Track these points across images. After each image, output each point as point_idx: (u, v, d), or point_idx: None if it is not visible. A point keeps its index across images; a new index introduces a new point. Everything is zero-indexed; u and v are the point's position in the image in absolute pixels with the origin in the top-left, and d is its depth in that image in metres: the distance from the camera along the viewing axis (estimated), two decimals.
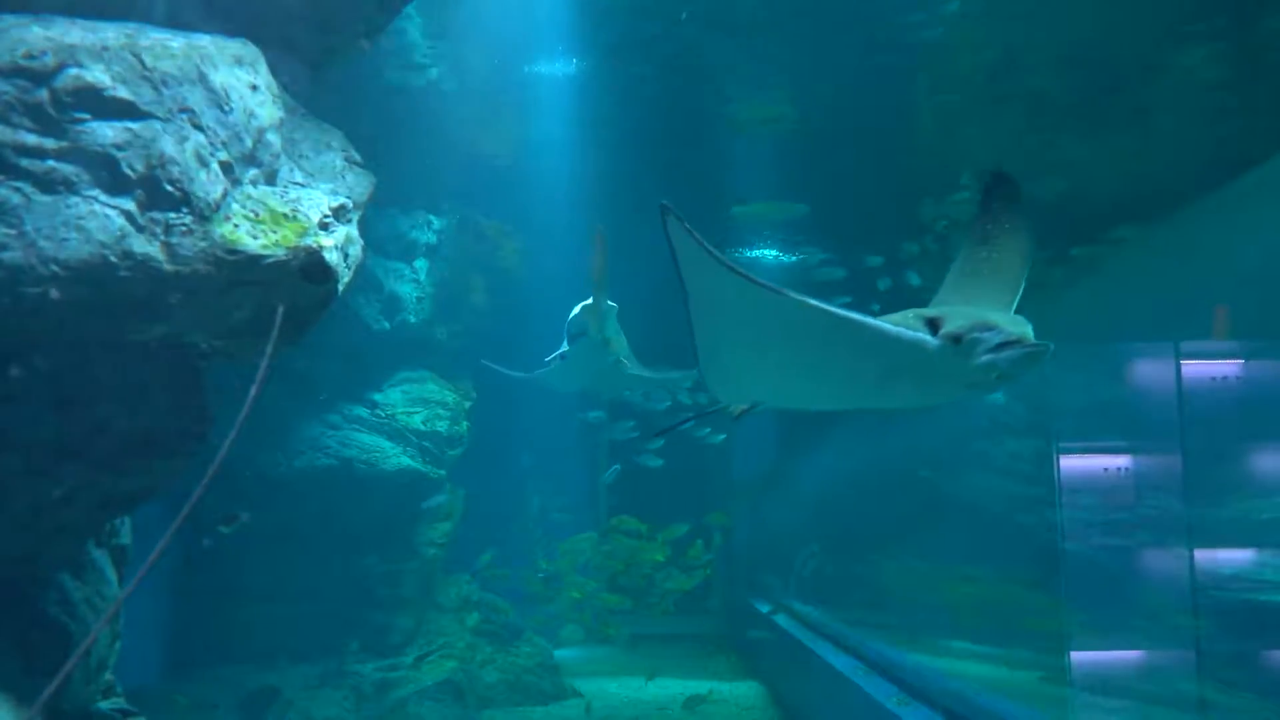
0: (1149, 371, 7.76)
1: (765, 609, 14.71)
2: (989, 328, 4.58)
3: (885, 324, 4.66)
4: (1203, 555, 7.43)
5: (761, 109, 10.64)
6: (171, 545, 4.64)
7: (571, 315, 10.02)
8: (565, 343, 10.24)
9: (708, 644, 16.35)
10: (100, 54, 4.84)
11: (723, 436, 15.07)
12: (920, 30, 8.94)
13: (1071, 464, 8.01)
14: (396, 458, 12.13)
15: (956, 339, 4.59)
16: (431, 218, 13.06)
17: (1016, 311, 5.19)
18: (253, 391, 4.89)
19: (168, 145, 4.89)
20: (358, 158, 6.42)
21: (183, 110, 5.02)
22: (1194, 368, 7.53)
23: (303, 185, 5.74)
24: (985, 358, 4.55)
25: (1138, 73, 8.89)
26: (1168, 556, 7.66)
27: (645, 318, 12.17)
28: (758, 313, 4.60)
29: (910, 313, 4.89)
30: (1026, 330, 4.62)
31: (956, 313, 4.78)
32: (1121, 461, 8.05)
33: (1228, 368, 7.55)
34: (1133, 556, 7.85)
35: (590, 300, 9.76)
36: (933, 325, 4.70)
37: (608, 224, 12.88)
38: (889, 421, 11.22)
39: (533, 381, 12.16)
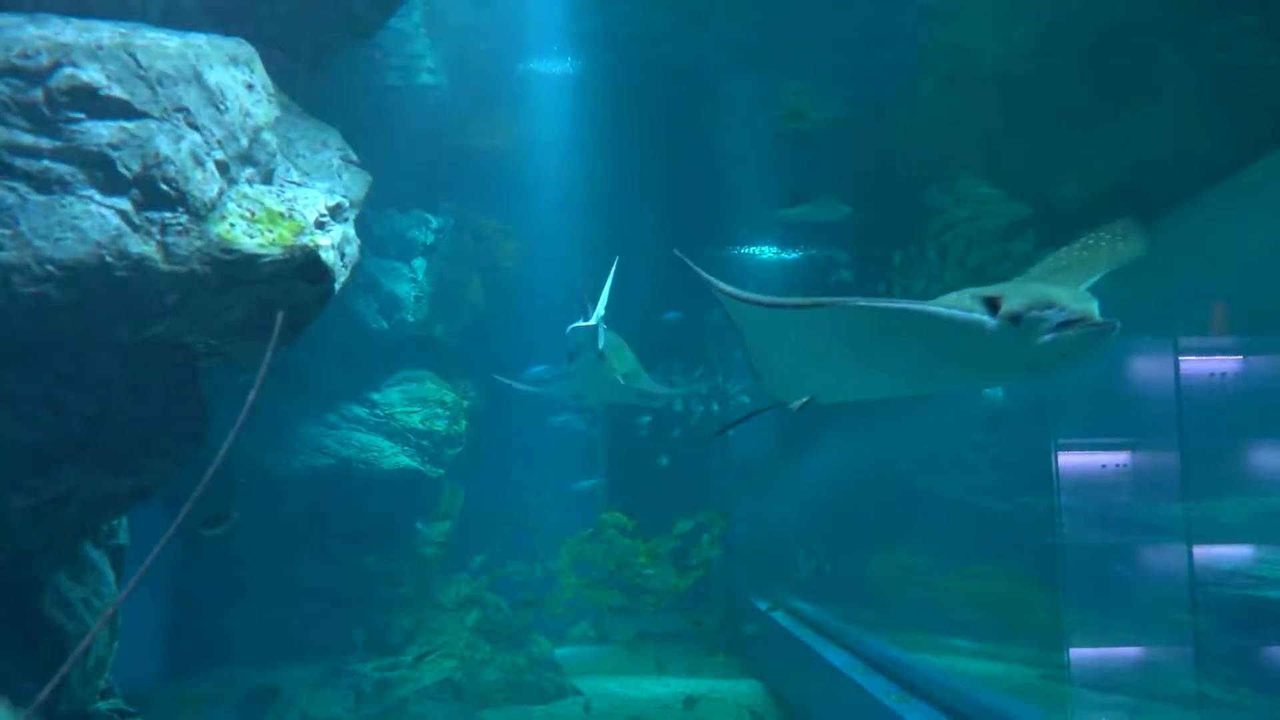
0: (1147, 367, 7.75)
1: (764, 606, 14.70)
2: (1050, 305, 4.37)
3: (939, 307, 4.50)
4: (1201, 551, 7.42)
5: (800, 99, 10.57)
6: (171, 545, 4.64)
7: (568, 330, 10.13)
8: (567, 358, 10.41)
9: (708, 642, 16.34)
10: (95, 53, 4.83)
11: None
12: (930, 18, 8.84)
13: (1069, 460, 8.00)
14: (395, 457, 12.13)
15: (1015, 318, 4.39)
16: (429, 217, 13.05)
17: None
18: (251, 396, 4.88)
19: (163, 144, 4.88)
20: (354, 157, 6.41)
21: (178, 109, 5.01)
22: (1192, 363, 7.52)
23: (299, 184, 5.73)
24: (1047, 337, 4.35)
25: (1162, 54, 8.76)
26: (1166, 553, 7.65)
27: (642, 315, 12.28)
28: (805, 329, 4.57)
29: (968, 292, 4.70)
30: (1091, 307, 4.40)
31: (1017, 290, 4.56)
32: (1119, 458, 8.05)
33: (1226, 363, 7.55)
34: (1131, 553, 7.85)
35: (584, 321, 9.96)
36: (991, 305, 4.49)
37: (606, 222, 12.97)
38: (885, 419, 11.21)
39: (542, 394, 12.33)
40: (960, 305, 4.53)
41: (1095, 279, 5.23)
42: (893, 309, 4.38)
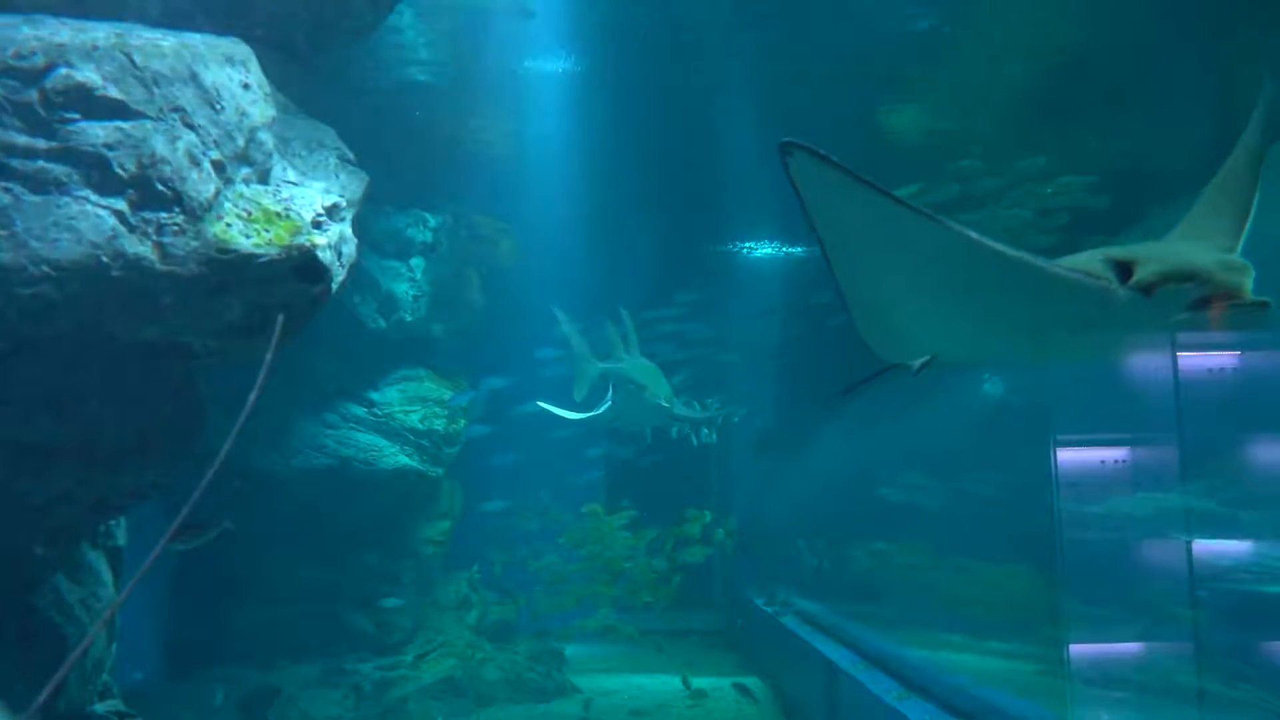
0: (1145, 363, 7.74)
1: (764, 603, 14.72)
2: (1190, 275, 3.74)
3: (1062, 267, 3.92)
4: (1201, 547, 7.41)
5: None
6: (170, 545, 4.63)
7: (604, 367, 11.49)
8: (610, 392, 11.65)
9: (711, 639, 16.36)
10: (90, 53, 4.82)
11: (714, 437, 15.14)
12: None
13: (1068, 456, 7.99)
14: (394, 456, 12.12)
15: (1147, 289, 3.79)
16: (427, 216, 13.03)
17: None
18: (251, 398, 4.87)
19: (159, 144, 4.87)
20: (351, 156, 6.41)
21: (174, 109, 5.01)
22: (1191, 359, 7.50)
23: (296, 184, 5.73)
24: (1182, 315, 3.79)
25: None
26: (1165, 548, 7.63)
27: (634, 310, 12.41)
28: (911, 247, 3.92)
29: (1099, 253, 4.06)
30: (1241, 280, 3.74)
31: (1154, 254, 3.92)
32: (1118, 453, 8.04)
33: (1224, 359, 7.53)
34: (1130, 548, 7.84)
35: (623, 356, 11.29)
36: (1124, 270, 3.88)
37: (604, 220, 13.00)
38: (882, 416, 11.21)
39: (588, 423, 13.02)
40: (1088, 267, 3.93)
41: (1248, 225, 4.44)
42: (1011, 255, 3.73)
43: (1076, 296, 3.89)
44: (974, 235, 3.73)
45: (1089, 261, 4.00)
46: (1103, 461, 8.06)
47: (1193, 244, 4.14)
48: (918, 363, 5.00)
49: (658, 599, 12.63)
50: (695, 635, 16.46)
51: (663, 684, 13.29)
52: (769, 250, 15.02)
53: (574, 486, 15.26)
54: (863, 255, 4.09)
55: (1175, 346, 7.39)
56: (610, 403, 11.65)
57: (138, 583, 4.55)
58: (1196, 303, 3.76)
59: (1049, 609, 8.16)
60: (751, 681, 13.27)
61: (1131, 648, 7.91)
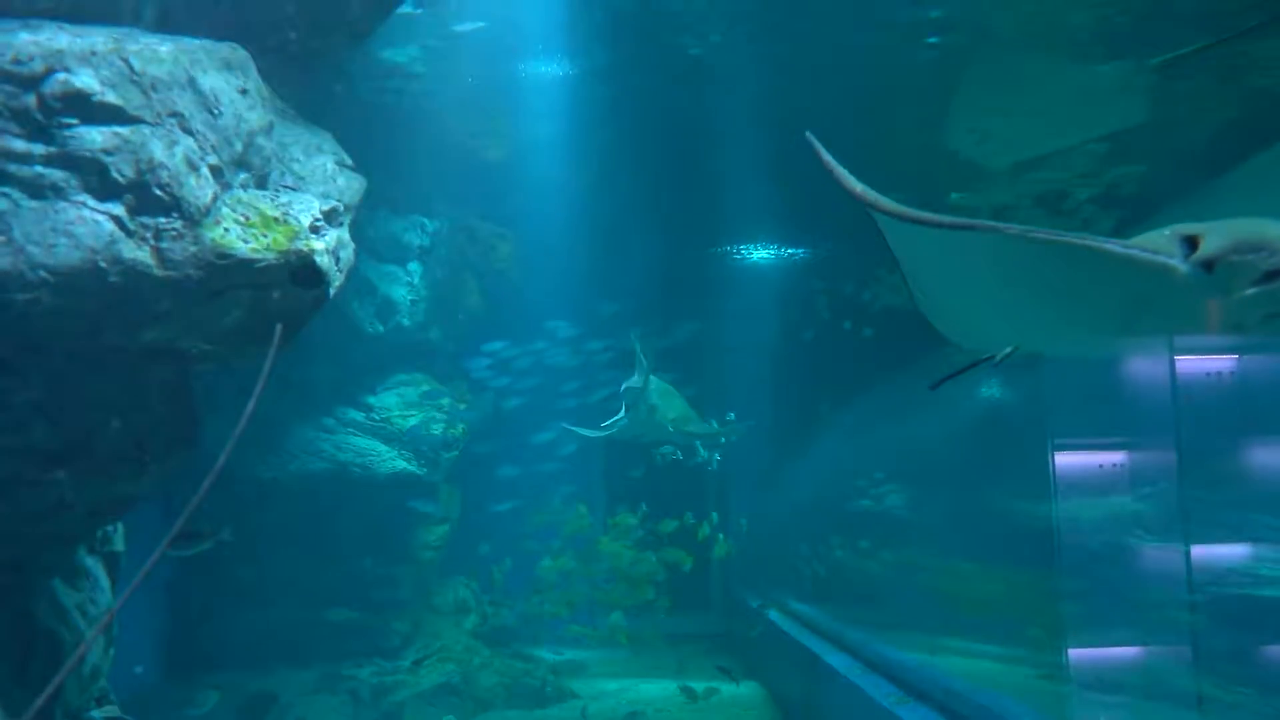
0: (1143, 367, 7.74)
1: (758, 605, 14.70)
2: (1259, 247, 3.48)
3: (1120, 244, 3.71)
4: (1199, 551, 7.40)
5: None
6: (167, 552, 4.62)
7: (623, 388, 12.13)
8: (623, 409, 12.31)
9: (708, 643, 16.33)
10: (88, 59, 4.82)
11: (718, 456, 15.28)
12: None
13: (1066, 460, 7.99)
14: (391, 461, 12.11)
15: (1209, 264, 3.54)
16: (424, 220, 13.03)
17: None
18: (250, 406, 4.87)
19: (157, 150, 4.87)
20: (349, 160, 6.41)
21: (172, 114, 5.01)
22: (1188, 362, 7.50)
23: (293, 189, 5.73)
24: (1250, 290, 3.50)
25: None
26: (1164, 552, 7.63)
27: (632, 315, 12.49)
28: (962, 255, 3.83)
29: (1169, 229, 3.80)
30: None
31: (1222, 227, 3.66)
32: (1116, 458, 8.04)
33: (1222, 363, 7.53)
34: (1129, 553, 7.84)
35: (635, 381, 11.90)
36: (1191, 245, 3.65)
37: (602, 224, 13.03)
38: (882, 418, 11.22)
39: (604, 437, 13.54)
40: (1155, 245, 3.71)
41: None
42: (1063, 242, 3.58)
43: (1137, 274, 3.69)
44: (1030, 232, 3.61)
45: (1156, 237, 3.80)
46: (1100, 465, 8.07)
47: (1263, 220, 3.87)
48: (999, 355, 4.86)
49: (657, 597, 12.70)
50: (694, 639, 16.43)
51: (660, 688, 13.27)
52: (768, 254, 15.04)
53: (587, 492, 15.35)
54: (937, 271, 4.09)
55: (1173, 350, 7.40)
56: (625, 419, 12.32)
57: (134, 590, 4.55)
58: (1265, 276, 3.52)
59: (1047, 613, 8.16)
60: (749, 686, 13.27)
61: (1130, 651, 7.91)
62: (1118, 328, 4.29)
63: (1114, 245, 3.69)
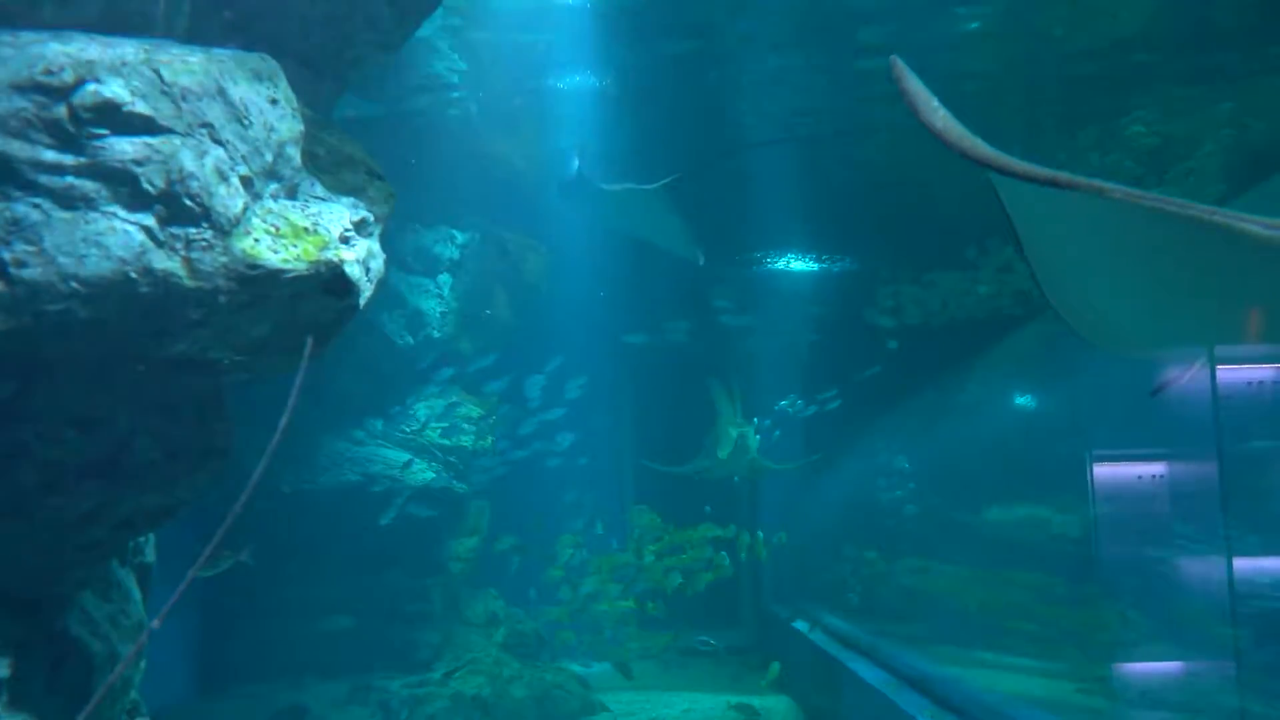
0: (1183, 376, 7.61)
1: (788, 617, 14.59)
2: None
3: (1247, 219, 3.34)
4: (1241, 563, 7.27)
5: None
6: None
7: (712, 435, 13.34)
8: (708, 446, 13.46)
9: (741, 657, 16.22)
10: (119, 69, 4.81)
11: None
12: None
13: (1105, 471, 7.87)
14: (422, 473, 12.12)
15: None
16: (454, 232, 13.06)
17: None
18: (284, 420, 4.84)
19: (187, 160, 4.85)
20: (379, 172, 6.38)
21: (202, 125, 4.99)
22: (1229, 372, 7.38)
23: (323, 199, 5.70)
24: None
25: None
26: (1205, 565, 7.50)
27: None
28: (1079, 220, 3.52)
29: None
30: None
31: None
32: (1156, 469, 7.91)
33: (1264, 372, 7.40)
34: (1170, 566, 7.70)
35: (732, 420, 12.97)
36: None
37: (632, 239, 13.02)
38: (916, 430, 11.12)
39: (687, 474, 14.62)
40: None
41: None
42: (1186, 214, 3.22)
43: (1256, 253, 3.35)
44: (1241, 219, 3.25)
45: None
46: (1139, 477, 7.95)
47: None
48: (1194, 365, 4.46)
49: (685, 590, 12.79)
50: (724, 653, 16.33)
51: (690, 702, 13.18)
52: (803, 266, 14.95)
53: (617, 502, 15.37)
54: (1039, 240, 3.74)
55: (1213, 360, 7.27)
56: (706, 457, 13.50)
57: (167, 613, 4.53)
58: None
59: (1088, 626, 8.04)
60: (781, 699, 13.15)
61: (1171, 666, 7.77)
62: (1262, 314, 3.88)
63: (1253, 224, 3.34)
